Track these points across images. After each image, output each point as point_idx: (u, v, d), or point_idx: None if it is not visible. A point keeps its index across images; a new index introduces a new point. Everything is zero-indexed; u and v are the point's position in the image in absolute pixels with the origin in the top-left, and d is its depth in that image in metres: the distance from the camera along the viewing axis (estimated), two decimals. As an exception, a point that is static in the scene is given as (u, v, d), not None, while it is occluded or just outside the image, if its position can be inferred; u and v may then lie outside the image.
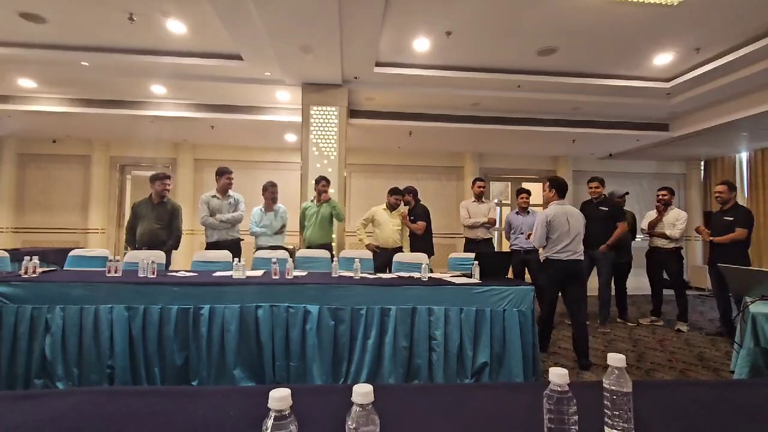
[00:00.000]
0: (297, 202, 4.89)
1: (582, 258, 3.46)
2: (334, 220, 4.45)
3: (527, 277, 4.84)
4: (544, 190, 3.72)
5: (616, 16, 3.62)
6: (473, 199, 5.05)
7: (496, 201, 8.67)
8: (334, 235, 4.70)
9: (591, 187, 4.64)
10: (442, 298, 2.84)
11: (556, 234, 3.60)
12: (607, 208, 4.52)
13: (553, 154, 7.91)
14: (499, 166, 8.01)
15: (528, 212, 4.94)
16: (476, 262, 3.16)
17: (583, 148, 7.15)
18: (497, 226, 4.74)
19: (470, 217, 4.90)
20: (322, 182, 4.42)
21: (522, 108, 5.70)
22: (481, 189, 4.98)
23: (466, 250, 4.84)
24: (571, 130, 6.05)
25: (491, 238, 4.97)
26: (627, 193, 5.08)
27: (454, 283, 2.96)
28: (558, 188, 3.92)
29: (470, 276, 3.21)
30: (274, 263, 3.07)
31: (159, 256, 3.56)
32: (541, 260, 3.71)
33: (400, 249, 4.55)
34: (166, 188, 4.08)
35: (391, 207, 4.62)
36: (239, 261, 3.04)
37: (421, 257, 3.91)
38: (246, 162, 7.30)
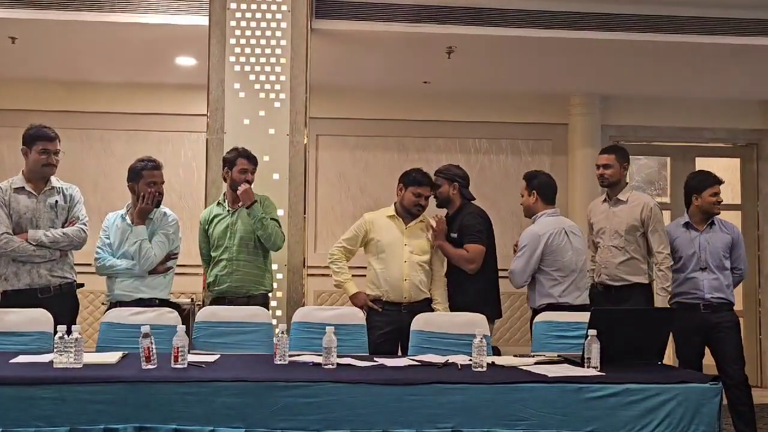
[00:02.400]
0: (198, 203, 4.93)
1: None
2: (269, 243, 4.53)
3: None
4: (522, 195, 4.50)
5: None
6: (603, 196, 5.09)
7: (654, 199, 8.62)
8: (279, 275, 4.74)
9: None
10: (519, 412, 2.89)
11: (554, 267, 4.36)
12: None
13: (760, 97, 7.94)
14: (644, 124, 8.02)
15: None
16: (593, 331, 3.20)
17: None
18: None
19: (596, 240, 4.96)
20: (241, 163, 4.47)
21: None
22: (610, 173, 4.93)
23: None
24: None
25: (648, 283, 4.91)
26: None
27: (545, 378, 3.00)
28: (542, 189, 4.42)
29: (581, 363, 3.27)
30: (147, 336, 3.10)
31: None
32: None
33: (427, 303, 4.62)
34: None
35: (408, 212, 4.68)
36: (70, 331, 3.05)
37: (473, 321, 3.97)
38: (88, 116, 7.33)
